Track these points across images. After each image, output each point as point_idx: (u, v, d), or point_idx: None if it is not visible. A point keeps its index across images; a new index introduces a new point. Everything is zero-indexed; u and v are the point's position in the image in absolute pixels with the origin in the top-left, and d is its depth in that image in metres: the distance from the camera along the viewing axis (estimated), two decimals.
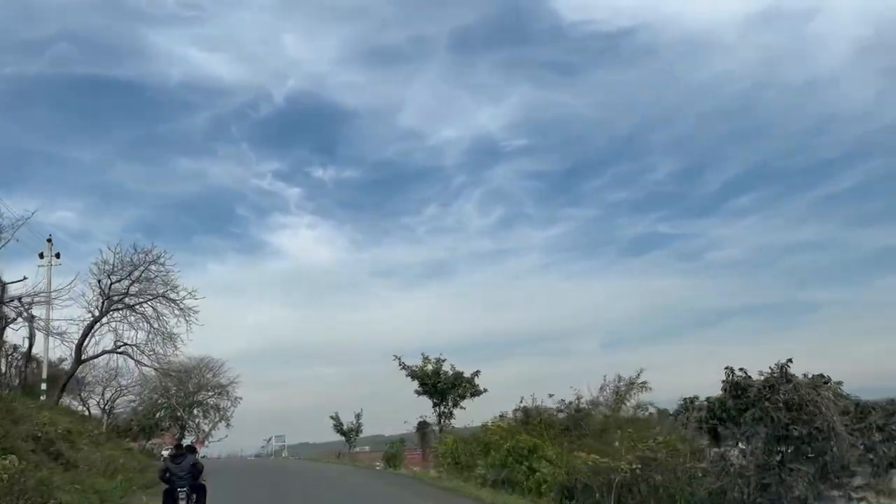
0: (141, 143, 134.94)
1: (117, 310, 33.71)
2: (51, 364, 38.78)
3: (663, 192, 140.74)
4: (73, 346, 32.87)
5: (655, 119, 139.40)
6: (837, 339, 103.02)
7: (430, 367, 30.44)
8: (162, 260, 33.65)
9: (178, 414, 69.80)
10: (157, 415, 68.08)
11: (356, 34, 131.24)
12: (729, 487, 14.63)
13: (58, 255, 37.49)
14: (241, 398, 71.17)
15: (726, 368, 15.67)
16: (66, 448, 22.42)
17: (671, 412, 18.80)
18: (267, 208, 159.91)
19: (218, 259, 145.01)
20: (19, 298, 28.08)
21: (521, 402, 24.12)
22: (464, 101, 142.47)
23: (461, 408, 30.36)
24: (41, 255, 36.11)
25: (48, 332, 32.36)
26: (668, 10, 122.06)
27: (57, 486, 15.83)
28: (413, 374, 30.42)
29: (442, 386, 29.89)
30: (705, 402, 16.24)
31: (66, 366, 55.58)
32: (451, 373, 30.07)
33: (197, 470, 13.21)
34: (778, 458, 14.53)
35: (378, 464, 42.05)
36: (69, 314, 31.96)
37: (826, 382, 15.12)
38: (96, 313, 32.97)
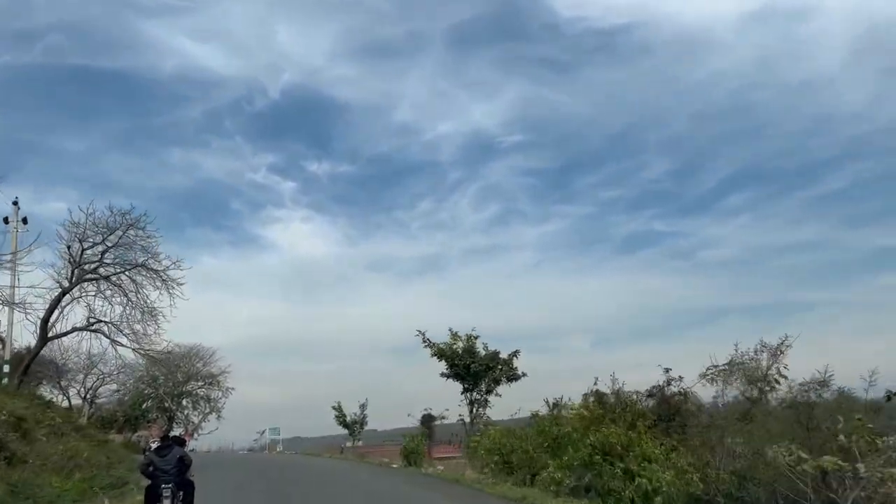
0: (133, 135, 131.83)
1: (90, 280, 29.16)
2: (22, 350, 34.33)
3: (657, 190, 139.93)
4: (38, 322, 28.21)
5: (650, 117, 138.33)
6: (832, 339, 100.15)
7: (460, 345, 25.38)
8: (142, 224, 29.10)
9: (166, 405, 65.63)
10: (144, 405, 63.93)
11: (351, 27, 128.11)
12: None
13: (24, 221, 32.90)
14: (233, 389, 67.05)
15: None
16: (14, 439, 18.04)
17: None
18: (261, 202, 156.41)
19: (212, 252, 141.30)
20: None
21: (594, 384, 19.31)
22: (459, 97, 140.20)
23: (496, 394, 25.64)
24: (6, 220, 31.51)
25: (11, 304, 27.80)
26: (664, 8, 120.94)
27: None
28: (440, 354, 25.37)
29: (476, 368, 24.85)
30: None
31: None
32: (484, 353, 25.21)
33: (184, 464, 11.77)
34: None
35: (385, 459, 37.75)
36: (32, 282, 27.39)
37: None
38: (65, 284, 28.43)
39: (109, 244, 28.75)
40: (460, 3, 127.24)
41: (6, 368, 30.13)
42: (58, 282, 28.45)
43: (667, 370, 19.34)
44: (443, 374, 24.87)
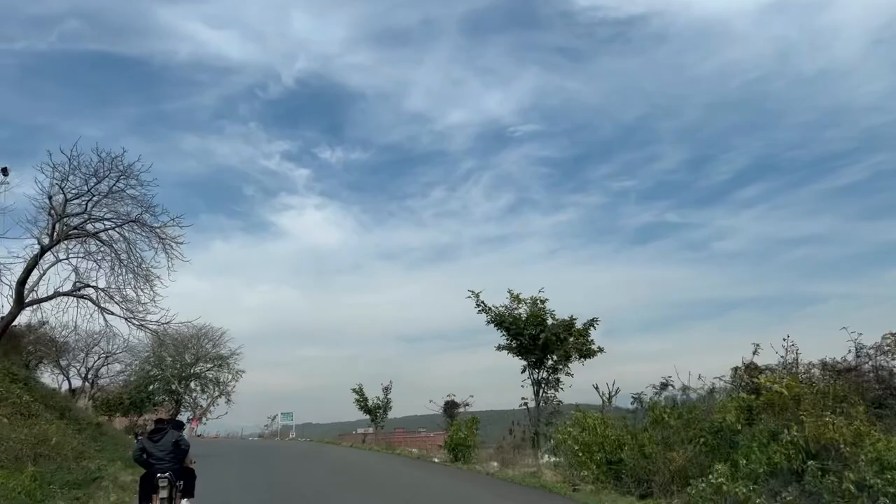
0: (148, 120, 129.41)
1: (75, 237, 24.93)
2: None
3: (671, 181, 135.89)
4: (13, 285, 24.06)
5: (665, 107, 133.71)
6: (845, 331, 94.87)
7: (523, 309, 19.97)
8: (137, 172, 24.77)
9: (173, 387, 61.92)
10: (150, 387, 60.24)
11: (366, 14, 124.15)
12: None
13: (4, 171, 28.70)
14: (243, 372, 63.19)
15: None
16: None
17: None
18: (274, 189, 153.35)
19: (224, 238, 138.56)
20: None
21: (755, 351, 13.98)
22: (473, 85, 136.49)
23: (568, 373, 19.95)
24: None
25: None
26: None
27: None
28: (499, 321, 20.03)
29: (545, 338, 19.25)
30: None
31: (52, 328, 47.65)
32: (552, 321, 19.60)
33: (181, 450, 10.44)
34: None
35: (413, 450, 33.56)
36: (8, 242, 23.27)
37: None
38: (45, 241, 24.21)
39: (96, 195, 24.48)
40: None
41: None
42: (36, 238, 24.25)
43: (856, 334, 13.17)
44: (500, 348, 19.89)
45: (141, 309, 25.57)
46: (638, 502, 11.43)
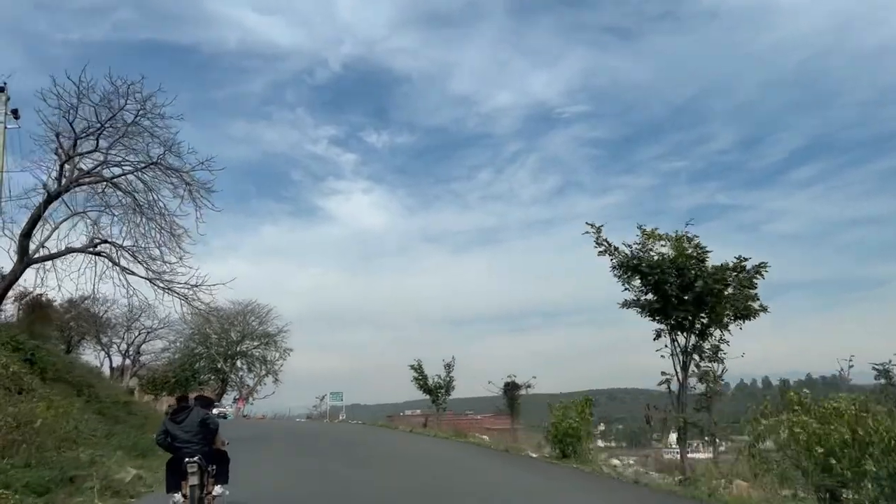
0: (199, 107, 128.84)
1: (87, 183, 21.12)
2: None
3: (722, 161, 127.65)
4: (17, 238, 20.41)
5: (716, 86, 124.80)
6: None
7: (661, 249, 14.21)
8: (160, 106, 20.71)
9: (219, 365, 59.28)
10: (196, 366, 57.66)
11: None
12: None
13: (15, 114, 25.23)
14: (291, 350, 60.03)
15: None
16: None
17: None
18: (321, 174, 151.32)
19: (273, 222, 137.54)
20: None
21: None
22: (519, 66, 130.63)
23: (723, 341, 14.24)
24: None
25: None
26: None
27: None
28: (632, 266, 14.41)
29: (701, 287, 13.55)
30: None
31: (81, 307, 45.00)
32: (709, 268, 13.91)
33: (209, 430, 8.92)
34: None
35: (484, 438, 29.23)
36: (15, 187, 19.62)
37: None
38: (53, 187, 20.44)
39: (111, 131, 20.55)
40: None
41: None
42: (43, 184, 20.52)
43: None
44: (626, 304, 14.34)
45: (168, 269, 21.72)
46: None
